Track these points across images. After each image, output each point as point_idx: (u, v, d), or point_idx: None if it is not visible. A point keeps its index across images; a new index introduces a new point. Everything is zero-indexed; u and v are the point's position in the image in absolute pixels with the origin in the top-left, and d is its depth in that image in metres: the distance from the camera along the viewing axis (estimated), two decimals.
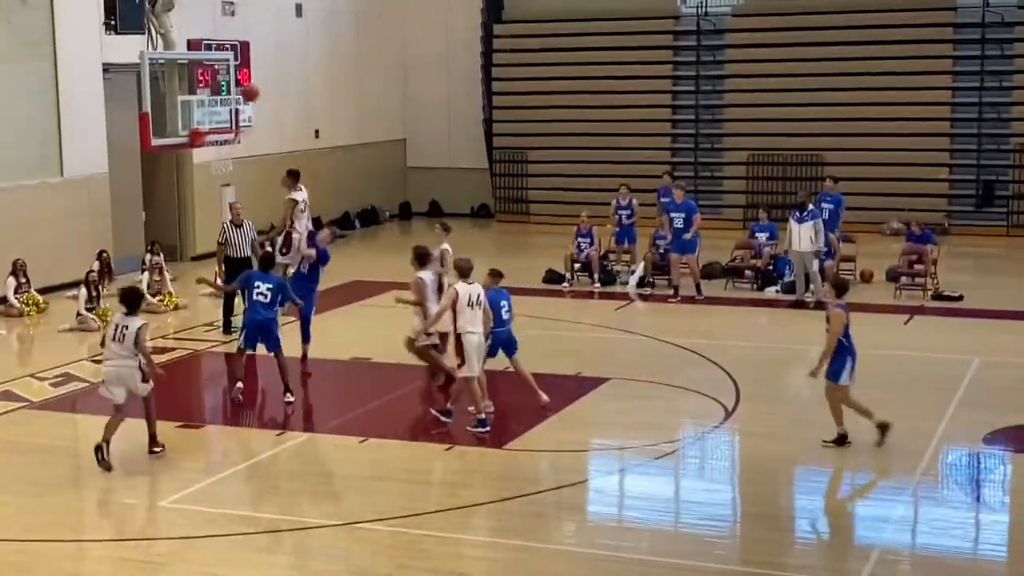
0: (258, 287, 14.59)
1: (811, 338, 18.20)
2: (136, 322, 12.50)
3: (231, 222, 18.11)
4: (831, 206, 21.23)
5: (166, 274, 20.94)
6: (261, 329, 14.61)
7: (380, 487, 12.06)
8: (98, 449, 12.40)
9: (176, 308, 20.18)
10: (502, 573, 9.99)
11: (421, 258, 14.94)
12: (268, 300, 14.55)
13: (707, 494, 12.17)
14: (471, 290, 13.48)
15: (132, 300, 12.72)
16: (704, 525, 11.19)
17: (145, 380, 12.65)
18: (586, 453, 13.21)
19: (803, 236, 19.81)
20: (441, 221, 17.65)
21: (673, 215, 20.60)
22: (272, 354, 14.70)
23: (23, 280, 19.99)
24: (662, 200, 21.50)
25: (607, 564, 10.13)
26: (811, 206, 20.21)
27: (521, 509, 11.25)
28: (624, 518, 11.55)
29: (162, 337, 18.55)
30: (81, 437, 14.44)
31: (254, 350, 15.01)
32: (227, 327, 17.81)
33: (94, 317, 18.88)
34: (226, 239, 17.93)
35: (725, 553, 10.56)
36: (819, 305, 19.44)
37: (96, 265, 19.99)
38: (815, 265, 19.85)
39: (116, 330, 12.48)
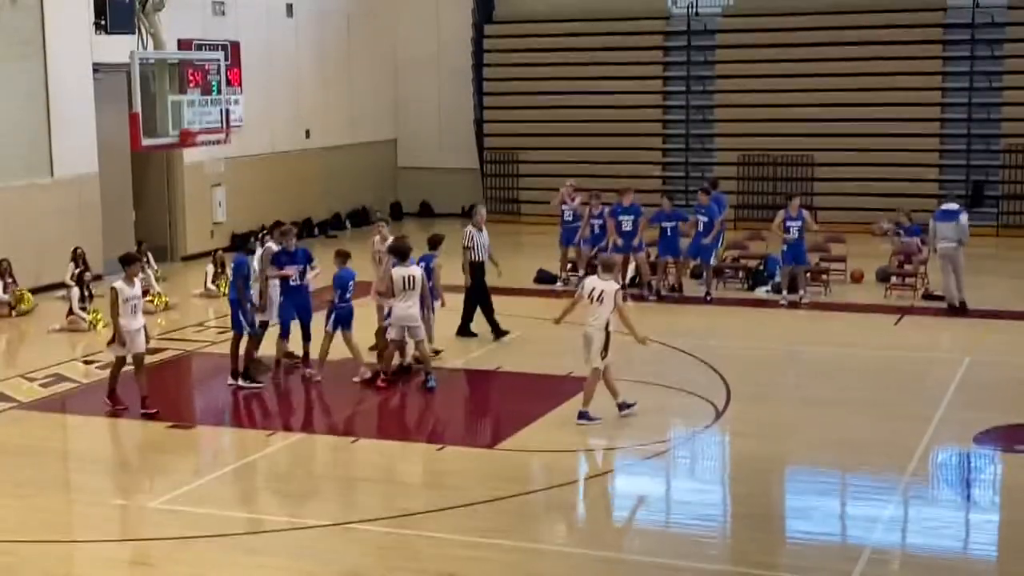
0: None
1: (802, 338, 18.32)
2: (113, 284, 14.04)
3: (473, 226, 17.98)
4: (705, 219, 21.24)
5: (151, 274, 20.93)
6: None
7: (371, 487, 12.06)
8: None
9: (166, 308, 20.15)
10: (493, 573, 9.98)
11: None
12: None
13: (698, 494, 12.18)
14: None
15: (121, 262, 14.26)
16: (695, 525, 11.20)
17: (109, 342, 14.18)
18: (577, 453, 13.21)
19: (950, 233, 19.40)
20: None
21: (622, 218, 20.89)
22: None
23: (9, 280, 19.93)
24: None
25: (598, 564, 10.13)
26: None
27: (512, 509, 11.25)
28: (615, 518, 11.56)
29: (150, 337, 18.50)
30: (70, 438, 14.44)
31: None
32: (496, 331, 17.73)
33: (85, 316, 18.87)
34: (472, 243, 17.80)
35: (716, 553, 10.58)
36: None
37: (76, 266, 19.86)
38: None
39: None
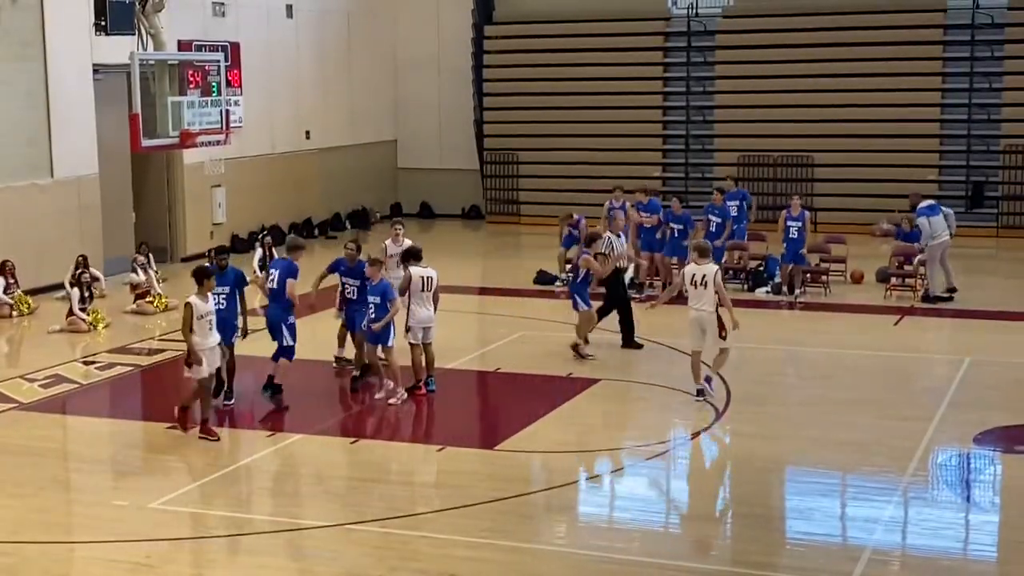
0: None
1: (802, 338, 18.32)
2: (188, 299, 13.23)
3: (611, 231, 17.91)
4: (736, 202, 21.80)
5: (153, 274, 20.97)
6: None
7: (371, 488, 12.06)
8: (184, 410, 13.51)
9: (166, 309, 20.16)
10: (493, 573, 9.98)
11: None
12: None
13: (698, 495, 12.19)
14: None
15: (195, 276, 13.39)
16: (695, 526, 11.20)
17: (187, 363, 13.18)
18: (577, 454, 13.20)
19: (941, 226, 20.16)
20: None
21: (673, 224, 20.92)
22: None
23: (11, 281, 19.95)
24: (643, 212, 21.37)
25: (598, 565, 10.13)
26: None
27: (512, 510, 11.25)
28: (615, 519, 11.55)
29: (151, 338, 18.59)
30: (70, 439, 14.43)
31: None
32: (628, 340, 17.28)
33: (84, 317, 18.88)
34: (610, 249, 17.70)
35: (716, 553, 10.58)
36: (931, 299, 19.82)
37: (76, 268, 19.84)
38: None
39: None
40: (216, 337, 13.40)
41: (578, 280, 16.56)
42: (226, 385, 14.52)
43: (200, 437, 13.25)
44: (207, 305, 13.24)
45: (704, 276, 14.17)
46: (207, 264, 14.23)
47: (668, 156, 30.01)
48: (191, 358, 13.10)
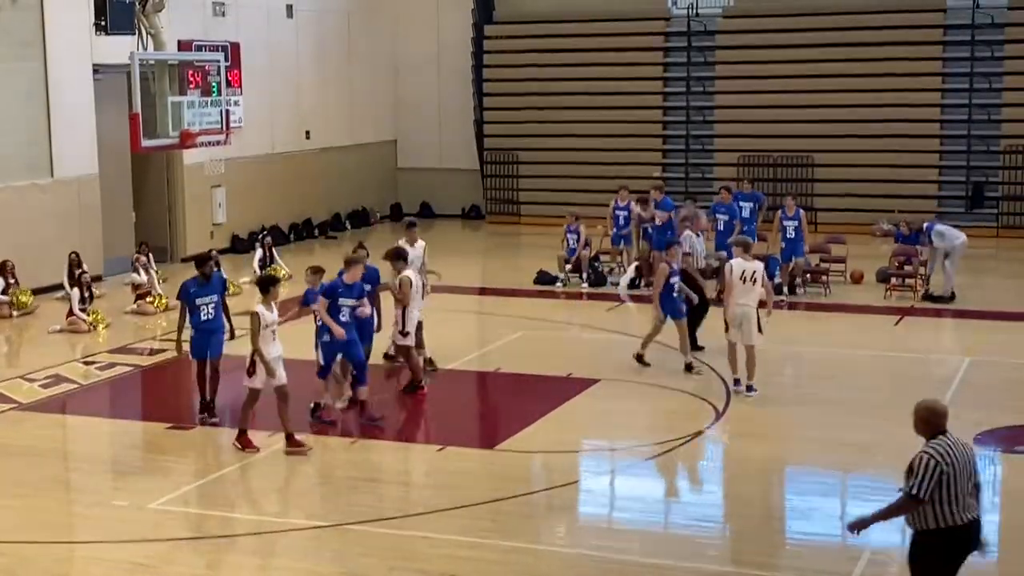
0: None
1: (802, 338, 18.32)
2: (254, 308, 12.71)
3: (692, 232, 17.74)
4: (750, 204, 21.62)
5: (154, 275, 20.98)
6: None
7: (371, 488, 12.06)
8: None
9: (166, 309, 20.15)
10: (493, 573, 9.99)
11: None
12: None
13: (698, 495, 12.20)
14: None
15: (260, 284, 13.09)
16: (695, 526, 11.20)
17: (249, 372, 12.65)
18: (577, 454, 13.21)
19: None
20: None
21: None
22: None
23: (11, 281, 19.96)
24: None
25: (598, 565, 10.13)
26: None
27: (512, 510, 11.25)
28: (615, 519, 11.56)
29: (152, 338, 18.58)
30: (70, 439, 14.44)
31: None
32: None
33: (85, 318, 18.89)
34: (692, 249, 17.51)
35: (716, 554, 10.58)
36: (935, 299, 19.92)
37: (72, 268, 19.85)
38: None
39: None
40: (280, 347, 12.88)
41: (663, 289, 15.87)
42: (209, 400, 14.07)
43: (288, 453, 12.78)
44: (272, 315, 12.72)
45: (755, 272, 14.42)
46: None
47: (668, 156, 29.99)
48: (254, 369, 12.63)
